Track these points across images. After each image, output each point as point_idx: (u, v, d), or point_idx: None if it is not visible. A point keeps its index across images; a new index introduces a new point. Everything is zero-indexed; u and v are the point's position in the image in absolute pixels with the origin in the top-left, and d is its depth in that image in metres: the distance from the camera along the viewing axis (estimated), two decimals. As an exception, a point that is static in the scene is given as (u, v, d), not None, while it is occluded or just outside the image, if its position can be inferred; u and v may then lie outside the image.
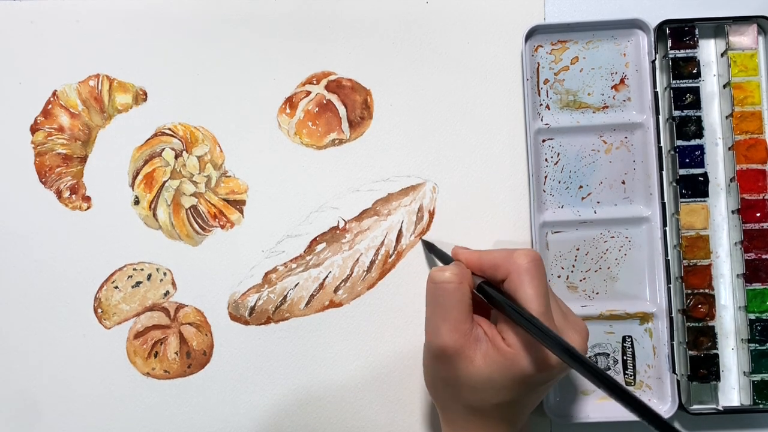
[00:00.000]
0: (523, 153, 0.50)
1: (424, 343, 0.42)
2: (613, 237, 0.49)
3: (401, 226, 0.50)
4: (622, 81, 0.50)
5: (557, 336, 0.36)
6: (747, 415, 0.48)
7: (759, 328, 0.47)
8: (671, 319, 0.48)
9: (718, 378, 0.47)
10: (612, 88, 0.50)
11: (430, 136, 0.51)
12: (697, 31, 0.49)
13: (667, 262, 0.48)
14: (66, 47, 0.52)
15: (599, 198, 0.50)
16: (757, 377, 0.47)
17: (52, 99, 0.51)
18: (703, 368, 0.47)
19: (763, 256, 0.48)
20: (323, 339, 0.50)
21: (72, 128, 0.51)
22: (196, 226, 0.50)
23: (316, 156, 0.51)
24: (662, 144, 0.49)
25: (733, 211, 0.49)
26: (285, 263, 0.50)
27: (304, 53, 0.51)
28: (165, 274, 0.50)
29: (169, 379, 0.50)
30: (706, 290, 0.48)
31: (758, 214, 0.48)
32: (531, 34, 0.49)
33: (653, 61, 0.49)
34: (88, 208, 0.51)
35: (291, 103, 0.51)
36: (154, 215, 0.51)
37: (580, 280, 0.49)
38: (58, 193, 0.51)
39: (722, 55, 0.49)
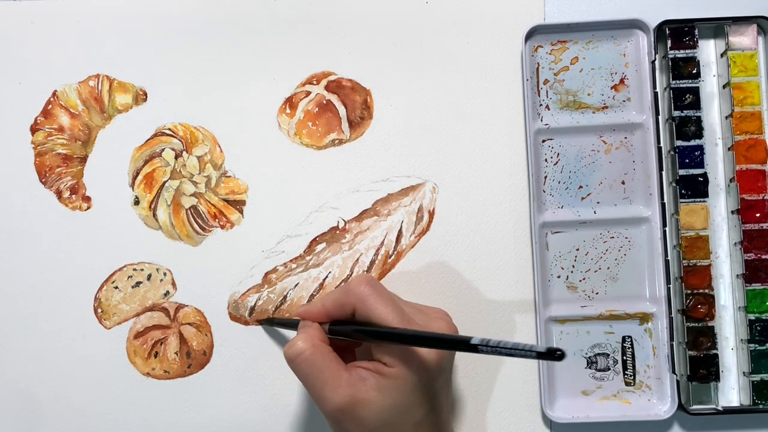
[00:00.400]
0: (523, 153, 0.50)
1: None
2: (613, 237, 0.49)
3: (401, 227, 0.50)
4: (621, 81, 0.50)
5: (416, 331, 0.38)
6: (747, 415, 0.48)
7: (759, 328, 0.47)
8: (671, 320, 0.48)
9: (717, 378, 0.47)
10: (612, 88, 0.50)
11: (430, 136, 0.51)
12: (696, 32, 0.49)
13: (666, 263, 0.48)
14: (66, 47, 0.52)
15: (599, 198, 0.50)
16: (757, 377, 0.47)
17: (52, 99, 0.51)
18: (702, 368, 0.47)
19: (763, 257, 0.48)
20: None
21: (72, 128, 0.51)
22: (196, 226, 0.50)
23: (316, 156, 0.51)
24: (662, 144, 0.49)
25: (732, 212, 0.49)
26: (285, 263, 0.50)
27: (304, 53, 0.51)
28: (165, 274, 0.50)
29: (169, 379, 0.50)
30: (706, 290, 0.48)
31: (758, 215, 0.48)
32: (531, 34, 0.49)
33: (653, 62, 0.49)
34: (88, 208, 0.51)
35: (291, 103, 0.51)
36: (154, 215, 0.51)
37: (580, 280, 0.49)
38: (58, 193, 0.51)
39: (722, 55, 0.49)
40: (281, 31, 0.51)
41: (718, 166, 0.50)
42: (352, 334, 0.41)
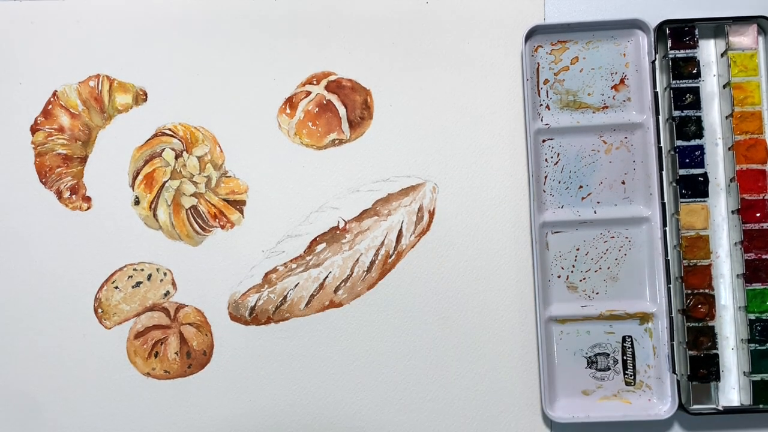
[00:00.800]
0: (523, 153, 0.50)
1: None
2: (613, 237, 0.49)
3: (401, 227, 0.50)
4: (622, 81, 0.50)
5: None
6: (747, 415, 0.48)
7: (759, 328, 0.47)
8: (671, 319, 0.48)
9: (718, 378, 0.47)
10: (612, 88, 0.50)
11: (430, 136, 0.51)
12: (697, 31, 0.49)
13: (667, 262, 0.48)
14: (66, 47, 0.52)
15: (599, 198, 0.50)
16: (757, 377, 0.47)
17: (52, 99, 0.51)
18: (703, 368, 0.47)
19: (763, 256, 0.48)
20: (323, 339, 0.50)
21: (72, 128, 0.51)
22: (196, 226, 0.50)
23: (316, 156, 0.51)
24: (662, 144, 0.49)
25: (733, 211, 0.49)
26: (285, 263, 0.50)
27: (304, 53, 0.51)
28: (165, 274, 0.50)
29: (169, 379, 0.50)
30: (706, 290, 0.48)
31: (758, 214, 0.48)
32: (531, 34, 0.49)
33: (653, 62, 0.49)
34: (88, 208, 0.51)
35: (291, 103, 0.51)
36: (155, 215, 0.51)
37: (580, 280, 0.49)
38: (58, 194, 0.51)
39: (722, 55, 0.49)
40: (281, 31, 0.51)
41: (718, 165, 0.50)
42: None
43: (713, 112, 0.50)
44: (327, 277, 0.50)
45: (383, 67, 0.51)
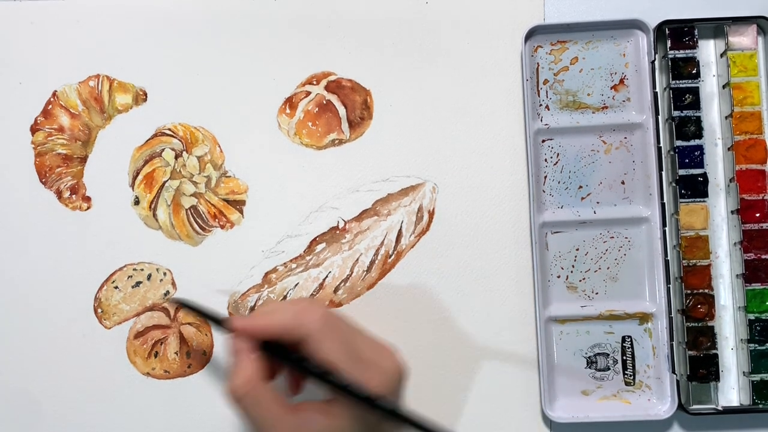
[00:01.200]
0: (523, 153, 0.50)
1: None
2: (612, 237, 0.49)
3: (401, 227, 0.50)
4: (621, 81, 0.50)
5: (353, 387, 0.37)
6: (746, 415, 0.48)
7: (758, 328, 0.47)
8: (671, 319, 0.48)
9: (717, 378, 0.47)
10: (611, 88, 0.50)
11: (430, 136, 0.51)
12: (696, 32, 0.49)
13: (666, 263, 0.48)
14: (66, 47, 0.52)
15: (599, 198, 0.50)
16: (757, 377, 0.47)
17: (52, 99, 0.51)
18: (702, 368, 0.47)
19: (763, 256, 0.48)
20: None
21: (72, 128, 0.51)
22: (196, 226, 0.50)
23: (316, 156, 0.51)
24: (662, 144, 0.49)
25: (732, 212, 0.49)
26: (285, 263, 0.50)
27: (304, 53, 0.51)
28: (165, 274, 0.50)
29: (169, 379, 0.50)
30: (706, 290, 0.48)
31: (758, 215, 0.48)
32: (531, 34, 0.49)
33: (653, 62, 0.49)
34: (88, 208, 0.51)
35: (291, 103, 0.51)
36: (154, 215, 0.51)
37: (580, 280, 0.49)
38: (58, 193, 0.51)
39: (722, 55, 0.49)
40: (281, 31, 0.51)
41: (717, 166, 0.50)
42: (293, 365, 0.39)
43: (713, 113, 0.50)
44: (327, 277, 0.50)
45: (383, 67, 0.51)
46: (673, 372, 0.48)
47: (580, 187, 0.50)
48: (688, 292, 0.48)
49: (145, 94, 0.51)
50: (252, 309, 0.50)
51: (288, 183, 0.51)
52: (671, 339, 0.48)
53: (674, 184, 0.48)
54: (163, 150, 0.51)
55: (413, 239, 0.50)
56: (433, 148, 0.51)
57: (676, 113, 0.48)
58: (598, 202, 0.50)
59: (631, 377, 0.49)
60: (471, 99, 0.51)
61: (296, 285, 0.50)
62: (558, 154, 0.50)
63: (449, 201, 0.50)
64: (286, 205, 0.50)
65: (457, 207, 0.50)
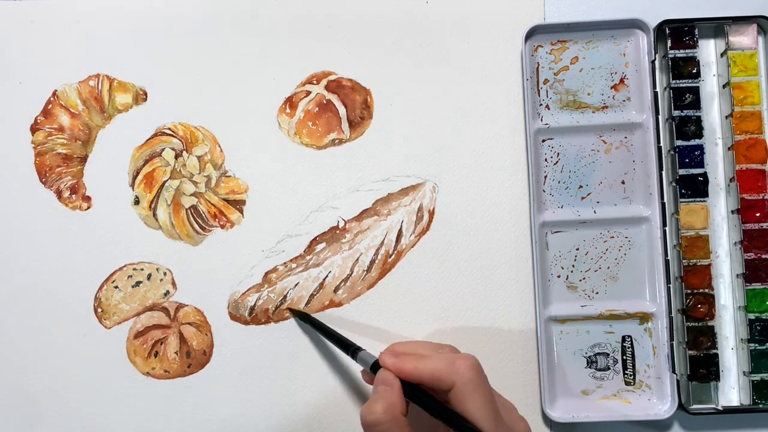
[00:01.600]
0: (523, 153, 0.50)
1: None
2: (612, 237, 0.49)
3: (401, 226, 0.50)
4: (621, 81, 0.50)
5: None
6: (747, 414, 0.48)
7: (758, 328, 0.47)
8: (671, 319, 0.48)
9: (717, 378, 0.47)
10: (612, 88, 0.50)
11: (430, 136, 0.51)
12: (696, 31, 0.49)
13: (666, 262, 0.48)
14: (66, 47, 0.52)
15: (599, 198, 0.50)
16: (757, 377, 0.47)
17: (52, 99, 0.51)
18: (702, 368, 0.47)
19: (763, 256, 0.48)
20: (323, 339, 0.50)
21: (72, 128, 0.51)
22: (196, 225, 0.50)
23: (316, 156, 0.51)
24: (662, 144, 0.49)
25: (732, 211, 0.49)
26: (285, 263, 0.50)
27: (304, 53, 0.51)
28: (165, 273, 0.50)
29: (169, 379, 0.50)
30: (706, 290, 0.48)
31: (758, 214, 0.48)
32: (531, 34, 0.49)
33: (653, 61, 0.49)
34: (88, 208, 0.51)
35: (291, 103, 0.51)
36: (154, 215, 0.51)
37: (580, 280, 0.49)
38: (58, 193, 0.51)
39: (722, 55, 0.49)
40: (281, 30, 0.51)
41: (718, 165, 0.50)
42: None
43: (713, 112, 0.50)
44: (327, 276, 0.50)
45: (383, 67, 0.51)
46: (674, 372, 0.48)
47: (581, 186, 0.50)
48: (689, 291, 0.48)
49: (145, 94, 0.51)
50: (252, 308, 0.50)
51: (288, 183, 0.51)
52: (671, 339, 0.48)
53: (674, 184, 0.48)
54: (163, 150, 0.51)
55: (413, 239, 0.50)
56: (433, 147, 0.51)
57: (676, 113, 0.48)
58: (598, 202, 0.50)
59: (632, 377, 0.49)
60: (471, 98, 0.51)
61: (296, 284, 0.50)
62: (558, 154, 0.50)
63: (449, 201, 0.50)
64: (286, 204, 0.50)
65: (458, 207, 0.50)
